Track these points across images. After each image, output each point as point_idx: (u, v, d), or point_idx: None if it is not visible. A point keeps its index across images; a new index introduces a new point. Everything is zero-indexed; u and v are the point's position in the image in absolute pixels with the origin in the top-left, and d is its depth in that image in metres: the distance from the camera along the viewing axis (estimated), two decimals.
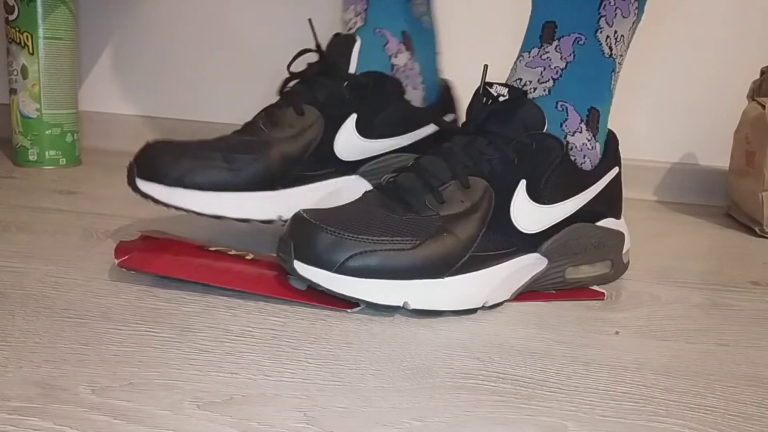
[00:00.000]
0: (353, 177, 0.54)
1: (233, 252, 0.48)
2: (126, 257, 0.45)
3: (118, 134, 1.08)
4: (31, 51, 0.86)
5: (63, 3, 0.87)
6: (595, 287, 0.50)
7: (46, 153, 0.89)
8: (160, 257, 0.46)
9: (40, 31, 0.85)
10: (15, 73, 0.87)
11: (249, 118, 0.54)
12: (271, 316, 0.40)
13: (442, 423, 0.30)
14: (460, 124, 0.57)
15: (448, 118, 0.60)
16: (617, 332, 0.42)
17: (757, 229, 0.77)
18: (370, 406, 0.31)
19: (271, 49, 1.02)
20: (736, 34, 0.95)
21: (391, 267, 0.41)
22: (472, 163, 0.45)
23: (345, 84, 0.54)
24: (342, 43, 0.55)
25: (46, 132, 0.88)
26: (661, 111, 0.99)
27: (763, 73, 0.86)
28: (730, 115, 0.90)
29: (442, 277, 0.42)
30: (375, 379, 0.33)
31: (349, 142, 0.54)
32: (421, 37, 0.60)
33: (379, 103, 0.55)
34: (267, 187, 0.50)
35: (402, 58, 0.58)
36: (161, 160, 0.48)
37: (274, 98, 0.57)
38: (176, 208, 0.48)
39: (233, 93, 1.05)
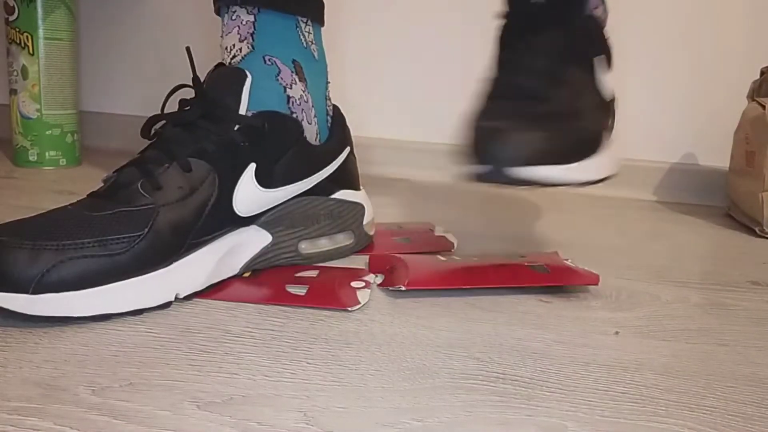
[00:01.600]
0: (252, 228, 0.47)
1: None
2: None
3: (118, 134, 1.08)
4: (31, 51, 0.86)
5: (63, 3, 0.87)
6: (589, 269, 0.49)
7: (46, 153, 0.89)
8: None
9: (40, 32, 0.85)
10: (15, 73, 0.87)
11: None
12: (271, 317, 0.41)
13: (442, 423, 0.30)
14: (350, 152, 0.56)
15: (345, 151, 0.55)
16: (617, 332, 0.42)
17: (757, 229, 0.77)
18: (370, 406, 0.31)
19: None
20: (736, 34, 0.95)
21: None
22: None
23: (236, 128, 0.45)
24: (228, 78, 0.47)
25: (46, 132, 0.88)
26: (661, 111, 0.99)
27: (763, 73, 0.86)
28: (730, 115, 0.90)
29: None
30: (375, 379, 0.33)
31: (248, 196, 0.46)
32: (311, 66, 0.53)
33: (279, 148, 0.48)
34: (158, 264, 0.40)
35: (297, 90, 0.51)
36: (12, 259, 0.36)
37: None
38: (47, 318, 0.37)
39: None
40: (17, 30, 0.85)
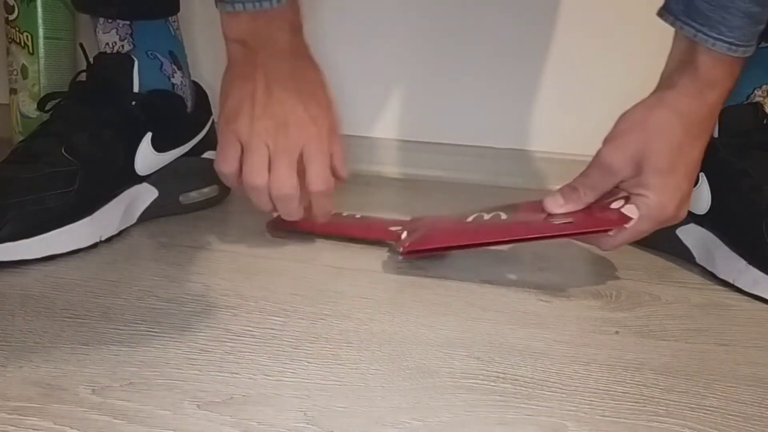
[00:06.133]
0: (144, 185, 0.58)
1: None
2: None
3: None
4: (31, 51, 0.86)
5: (63, 3, 0.86)
6: (624, 211, 0.46)
7: None
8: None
9: (40, 31, 0.85)
10: (15, 73, 0.87)
11: None
12: (271, 316, 0.41)
13: (442, 423, 0.30)
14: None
15: (211, 119, 0.66)
16: (617, 332, 0.42)
17: None
18: (370, 406, 0.31)
19: None
20: None
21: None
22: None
23: (133, 103, 0.56)
24: (118, 63, 0.57)
25: None
26: None
27: None
28: None
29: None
30: (375, 379, 0.33)
31: (146, 159, 0.57)
32: (180, 51, 0.64)
33: (169, 120, 0.59)
34: (84, 213, 0.50)
35: (178, 77, 0.62)
36: None
37: None
38: (8, 262, 0.45)
39: None
40: (17, 29, 0.85)
